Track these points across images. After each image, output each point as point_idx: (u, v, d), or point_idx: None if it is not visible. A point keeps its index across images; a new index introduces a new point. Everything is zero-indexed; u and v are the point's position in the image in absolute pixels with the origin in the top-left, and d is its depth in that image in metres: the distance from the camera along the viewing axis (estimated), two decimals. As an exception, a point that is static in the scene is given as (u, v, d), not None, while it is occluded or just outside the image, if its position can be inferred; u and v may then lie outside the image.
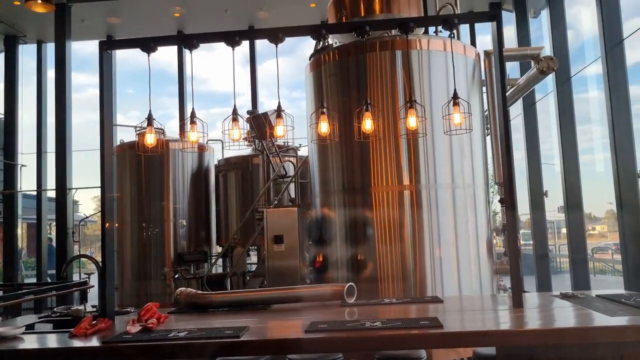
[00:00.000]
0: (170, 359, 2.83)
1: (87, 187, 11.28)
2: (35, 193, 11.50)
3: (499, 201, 6.61)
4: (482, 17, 3.94)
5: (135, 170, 8.97)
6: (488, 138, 6.66)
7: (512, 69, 10.18)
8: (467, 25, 11.65)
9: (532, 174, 10.00)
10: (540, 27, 10.49)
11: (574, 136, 8.67)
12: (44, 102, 11.75)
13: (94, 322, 3.21)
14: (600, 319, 2.88)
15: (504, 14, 11.44)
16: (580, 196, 8.73)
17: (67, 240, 9.89)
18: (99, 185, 3.55)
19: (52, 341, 3.06)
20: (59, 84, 10.22)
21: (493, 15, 3.46)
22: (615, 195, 7.20)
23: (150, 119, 3.65)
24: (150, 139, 3.65)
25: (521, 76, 7.34)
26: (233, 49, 3.69)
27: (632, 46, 7.28)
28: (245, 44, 11.65)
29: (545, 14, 9.26)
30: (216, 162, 9.70)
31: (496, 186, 7.02)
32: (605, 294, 3.63)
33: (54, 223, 10.74)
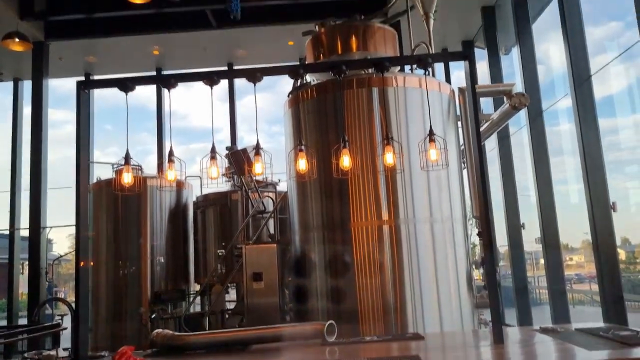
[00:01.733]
0: (146, 406, 2.74)
1: (62, 226, 11.05)
2: (7, 232, 11.22)
3: (477, 234, 6.67)
4: (455, 57, 4.07)
5: (112, 207, 8.82)
6: (465, 171, 6.76)
7: (487, 103, 10.45)
8: (442, 63, 11.96)
9: (509, 206, 10.15)
10: (512, 63, 10.84)
11: (548, 168, 8.86)
12: (19, 139, 11.61)
13: (66, 369, 3.10)
14: (581, 354, 2.89)
15: (477, 50, 11.81)
16: (557, 227, 8.86)
17: (40, 280, 9.61)
18: (74, 224, 3.49)
19: (21, 390, 2.94)
20: (35, 121, 10.12)
21: (465, 55, 3.57)
22: (590, 226, 7.34)
23: (127, 158, 3.62)
24: (127, 178, 3.62)
25: (495, 111, 7.52)
26: (212, 88, 3.72)
27: (600, 81, 7.57)
28: (225, 80, 11.78)
29: (516, 51, 9.58)
30: (195, 199, 9.61)
31: (474, 219, 7.09)
32: (584, 328, 3.65)
33: (27, 262, 10.46)
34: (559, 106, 9.24)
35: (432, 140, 3.76)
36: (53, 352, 3.70)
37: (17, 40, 8.66)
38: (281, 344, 3.80)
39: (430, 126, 3.87)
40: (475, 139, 3.57)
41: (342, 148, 3.76)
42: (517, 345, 3.36)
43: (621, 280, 7.04)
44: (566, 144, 10.81)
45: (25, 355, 3.87)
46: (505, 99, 6.48)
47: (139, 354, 3.42)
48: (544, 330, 3.68)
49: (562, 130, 11.36)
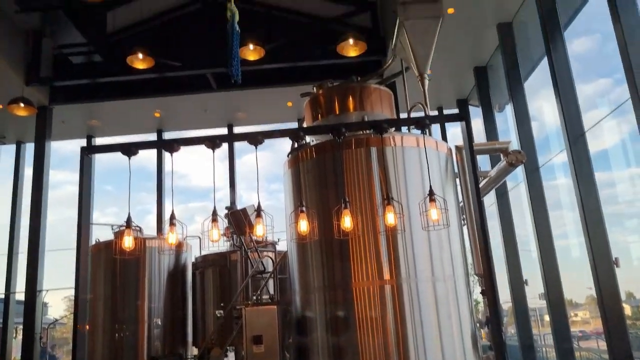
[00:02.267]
0: None
1: (59, 289, 10.90)
2: (2, 296, 11.04)
3: (481, 293, 6.58)
4: (452, 118, 4.17)
5: (110, 269, 8.73)
6: (465, 228, 6.76)
7: (483, 159, 10.59)
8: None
9: (511, 262, 10.08)
10: (506, 120, 11.07)
11: (547, 223, 8.87)
12: (19, 201, 11.65)
13: None
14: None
15: (471, 108, 12.09)
16: (560, 283, 8.77)
17: (34, 345, 9.36)
18: (71, 286, 3.46)
19: None
20: (36, 183, 10.18)
21: (462, 116, 3.66)
22: (593, 281, 7.26)
23: (129, 222, 3.63)
24: (128, 242, 3.61)
25: (492, 167, 7.61)
26: (214, 152, 3.78)
27: (594, 136, 7.71)
28: (224, 140, 11.95)
29: (509, 109, 9.81)
30: (193, 259, 9.53)
31: (476, 276, 7.02)
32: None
33: (21, 327, 10.23)
34: (555, 161, 9.37)
35: (432, 200, 3.79)
36: None
37: (22, 105, 8.86)
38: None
39: (430, 186, 3.91)
40: (475, 198, 3.60)
41: (343, 209, 3.79)
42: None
43: (629, 337, 6.90)
44: (564, 198, 10.88)
45: None
46: (502, 156, 6.58)
47: None
48: (555, 394, 3.57)
49: (560, 185, 11.46)
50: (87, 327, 8.38)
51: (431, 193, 3.82)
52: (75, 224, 3.58)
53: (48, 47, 10.09)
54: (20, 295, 10.66)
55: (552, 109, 8.41)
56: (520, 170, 9.20)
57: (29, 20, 9.02)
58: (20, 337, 10.33)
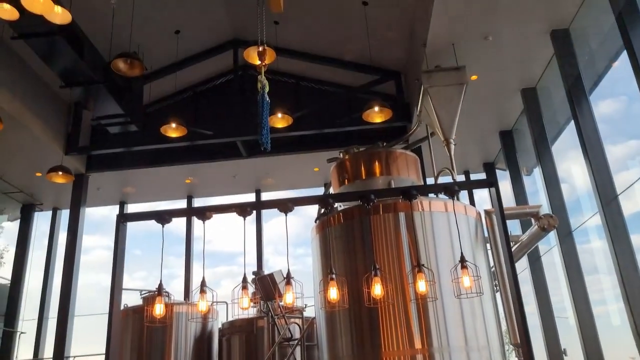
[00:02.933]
0: None
1: (87, 355, 10.82)
2: (30, 362, 11.02)
3: (518, 364, 6.30)
4: (481, 184, 4.18)
5: (137, 335, 8.69)
6: (498, 294, 6.57)
7: (513, 224, 10.43)
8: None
9: (547, 331, 9.67)
10: (535, 183, 10.96)
11: (584, 288, 8.56)
12: (52, 266, 11.86)
13: None
14: None
15: (498, 172, 12.05)
16: (601, 351, 8.34)
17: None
18: (98, 352, 3.46)
19: None
20: (69, 249, 10.40)
21: (491, 182, 3.67)
22: (637, 349, 6.90)
23: (160, 290, 3.67)
24: (159, 310, 3.64)
25: (522, 231, 7.51)
26: (244, 219, 3.85)
27: (628, 197, 7.55)
28: (252, 205, 12.11)
29: (538, 172, 9.75)
30: (220, 325, 9.43)
31: (512, 346, 6.75)
32: None
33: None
34: (588, 224, 9.16)
35: (464, 266, 3.74)
36: None
37: (60, 173, 9.22)
38: None
39: (462, 252, 3.87)
40: (508, 264, 3.54)
41: (374, 276, 3.76)
42: None
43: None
44: (600, 262, 10.54)
45: None
46: (533, 221, 6.49)
47: None
48: None
49: (594, 248, 11.13)
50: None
51: (462, 259, 3.78)
52: (103, 288, 3.64)
53: (87, 118, 10.63)
54: (47, 362, 10.64)
55: (581, 171, 8.34)
56: (552, 235, 9.02)
57: (71, 94, 9.57)
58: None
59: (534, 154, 9.70)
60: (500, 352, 5.73)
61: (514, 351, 6.91)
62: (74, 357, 10.46)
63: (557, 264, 9.44)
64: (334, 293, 3.71)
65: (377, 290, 3.68)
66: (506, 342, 6.40)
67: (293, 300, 3.69)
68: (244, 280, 3.77)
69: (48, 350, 10.81)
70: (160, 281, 3.72)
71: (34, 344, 11.09)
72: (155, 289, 4.45)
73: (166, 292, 8.43)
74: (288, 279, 3.69)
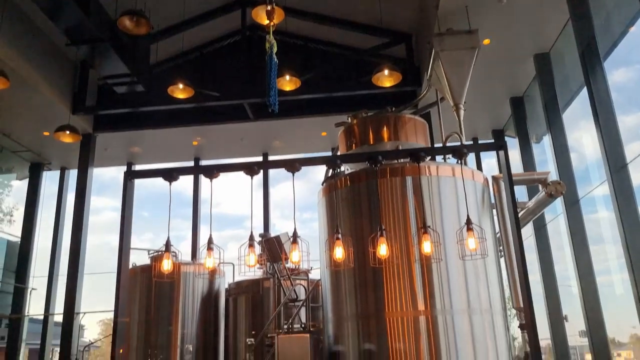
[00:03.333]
0: None
1: (96, 312, 11.08)
2: (42, 317, 11.29)
3: (519, 327, 6.39)
4: (490, 147, 4.14)
5: (146, 294, 8.87)
6: (502, 260, 6.61)
7: (520, 191, 10.40)
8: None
9: (550, 297, 9.76)
10: (544, 151, 10.87)
11: (588, 257, 8.59)
12: (61, 225, 12.02)
13: None
14: None
15: (507, 139, 11.94)
16: (602, 320, 8.42)
17: (70, 367, 9.52)
18: (107, 309, 3.53)
19: None
20: (78, 209, 10.51)
21: (500, 145, 3.63)
22: (638, 315, 6.96)
23: (168, 246, 3.71)
24: (167, 265, 3.68)
25: (529, 199, 7.47)
26: (252, 178, 3.85)
27: (637, 168, 7.48)
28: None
29: (547, 140, 9.65)
30: (227, 286, 9.59)
31: (514, 310, 6.83)
32: None
33: (57, 349, 10.41)
34: (596, 193, 9.11)
35: (470, 229, 3.75)
36: None
37: (68, 132, 9.22)
38: None
39: (468, 215, 3.87)
40: (514, 228, 3.54)
41: (380, 237, 3.78)
42: None
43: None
44: (606, 232, 10.52)
45: None
46: (540, 187, 6.46)
47: None
48: None
49: (601, 218, 11.11)
50: (122, 350, 8.49)
51: (469, 221, 3.78)
52: (112, 248, 3.67)
53: (94, 78, 10.56)
54: (58, 317, 10.90)
55: (591, 140, 8.24)
56: (559, 203, 8.99)
57: (77, 52, 9.48)
58: (56, 359, 10.51)
59: (545, 121, 9.59)
60: (502, 315, 5.80)
61: (515, 316, 7.01)
62: (84, 313, 10.71)
63: (562, 233, 9.45)
64: (339, 252, 3.73)
65: (383, 250, 3.70)
66: (508, 308, 6.47)
67: (299, 259, 3.72)
68: (251, 238, 3.80)
69: (59, 306, 11.06)
70: (168, 237, 3.75)
71: (45, 300, 11.35)
72: (162, 248, 4.51)
73: (174, 252, 8.54)
74: (294, 237, 3.71)
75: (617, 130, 7.54)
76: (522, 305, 6.28)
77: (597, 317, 8.35)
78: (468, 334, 5.41)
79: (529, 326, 3.28)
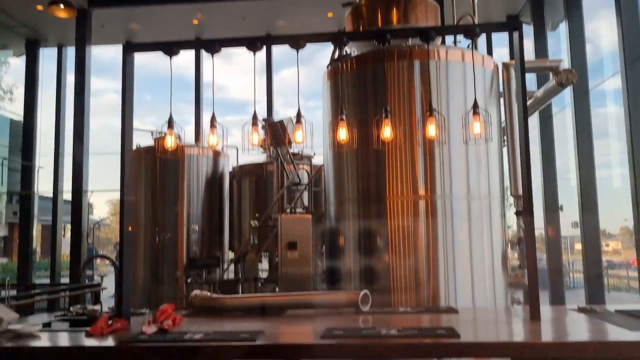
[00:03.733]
0: (186, 360, 2.83)
1: (103, 190, 11.38)
2: (51, 195, 11.62)
3: (515, 214, 6.56)
4: (504, 27, 3.95)
5: (151, 175, 9.04)
6: (504, 150, 6.62)
7: (529, 81, 10.15)
8: (484, 37, 11.65)
9: (548, 188, 9.92)
10: (559, 41, 10.47)
11: (591, 150, 8.60)
12: (63, 105, 11.92)
13: (109, 323, 3.22)
14: (620, 334, 2.84)
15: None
16: (597, 211, 8.64)
17: (82, 242, 9.97)
18: (114, 188, 3.57)
19: (69, 340, 3.08)
20: (78, 87, 10.36)
21: (515, 26, 3.45)
22: (633, 211, 7.12)
23: (170, 122, 3.68)
24: (170, 142, 3.68)
25: (538, 88, 7.31)
26: (254, 54, 3.72)
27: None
28: (263, 51, 11.75)
29: (563, 27, 9.23)
30: (230, 169, 9.75)
31: (511, 198, 6.97)
32: (624, 309, 3.58)
33: (69, 225, 10.84)
34: (606, 87, 8.90)
35: (476, 113, 3.69)
36: (97, 307, 3.86)
37: (62, 7, 8.82)
38: (315, 311, 3.87)
39: (475, 98, 3.78)
40: (521, 112, 3.46)
41: (384, 118, 3.73)
42: (554, 322, 3.32)
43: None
44: (612, 127, 10.44)
45: (71, 309, 4.04)
46: (551, 75, 6.28)
47: (177, 314, 3.52)
48: (582, 310, 3.63)
49: (608, 113, 10.97)
50: (130, 228, 8.84)
51: (475, 105, 3.70)
52: (116, 131, 3.62)
53: (88, -53, 9.87)
54: (67, 195, 11.21)
55: (609, 30, 7.88)
56: (567, 94, 8.81)
57: None
58: (68, 235, 10.99)
59: (562, 7, 9.10)
60: (500, 202, 5.93)
61: (512, 205, 7.17)
62: (92, 191, 11.01)
63: (567, 126, 9.37)
64: (343, 133, 3.71)
65: (387, 132, 3.68)
66: (506, 198, 6.60)
67: (303, 138, 3.70)
68: (254, 117, 3.75)
69: (67, 184, 11.32)
70: (170, 114, 3.71)
71: (53, 179, 11.58)
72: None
73: (178, 134, 8.55)
74: (298, 117, 3.66)
75: (637, 20, 7.17)
76: (520, 193, 6.41)
77: (592, 209, 8.55)
78: (465, 218, 5.58)
79: (525, 208, 3.34)
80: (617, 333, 2.86)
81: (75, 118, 10.30)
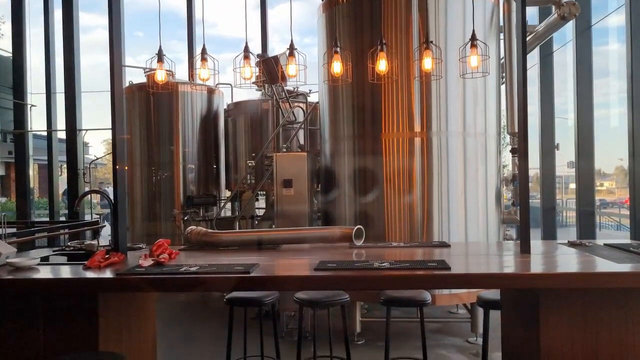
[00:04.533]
0: (182, 291, 2.89)
1: (97, 129, 11.27)
2: (45, 133, 11.52)
3: (511, 151, 6.56)
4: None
5: (145, 112, 8.93)
6: (502, 87, 6.53)
7: (530, 15, 9.87)
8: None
9: (545, 126, 9.87)
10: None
11: (590, 88, 8.47)
12: (52, 42, 11.58)
13: (107, 256, 3.27)
14: (607, 266, 2.89)
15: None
16: (592, 149, 8.63)
17: (78, 180, 9.98)
18: (109, 127, 3.51)
19: (66, 272, 3.13)
20: (66, 22, 10.03)
21: (518, -49, 3.29)
22: (628, 148, 7.11)
23: (160, 55, 3.58)
24: (160, 76, 3.59)
25: (540, 23, 7.12)
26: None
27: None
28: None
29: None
30: (225, 107, 9.63)
31: (507, 137, 6.95)
32: (613, 243, 3.64)
33: (65, 165, 10.82)
34: (610, 24, 8.64)
35: (474, 45, 3.59)
36: (94, 242, 3.91)
37: None
38: (310, 246, 3.93)
39: (473, 31, 3.68)
40: (520, 47, 3.37)
41: (380, 51, 3.64)
42: (544, 255, 3.38)
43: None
44: (613, 65, 10.24)
45: (69, 243, 4.09)
46: (553, 8, 6.09)
47: (174, 249, 3.57)
48: (572, 244, 3.69)
49: (610, 51, 10.73)
50: (126, 167, 8.83)
51: (473, 37, 3.60)
52: (108, 69, 3.49)
53: None
54: (61, 134, 11.12)
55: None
56: (568, 30, 8.59)
57: None
58: (65, 174, 10.99)
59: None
60: (495, 139, 5.92)
61: (508, 144, 7.16)
62: (86, 130, 10.91)
63: (567, 65, 9.19)
64: (337, 66, 3.62)
65: (382, 65, 3.59)
66: (503, 137, 6.57)
67: (296, 72, 3.62)
68: (246, 49, 3.65)
69: (60, 123, 11.20)
70: (160, 46, 3.59)
71: (46, 117, 11.45)
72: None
73: (170, 71, 8.37)
74: (291, 49, 3.56)
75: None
76: (517, 130, 6.38)
77: (588, 148, 8.53)
78: (461, 156, 5.58)
79: (520, 143, 3.32)
80: (604, 265, 2.92)
81: (65, 54, 10.05)
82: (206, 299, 7.37)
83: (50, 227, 6.68)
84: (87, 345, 2.87)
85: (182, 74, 11.56)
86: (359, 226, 3.89)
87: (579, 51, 8.43)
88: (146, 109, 8.88)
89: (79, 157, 10.26)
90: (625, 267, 2.82)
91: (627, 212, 7.90)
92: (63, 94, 10.24)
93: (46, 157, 11.57)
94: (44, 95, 11.47)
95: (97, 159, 13.41)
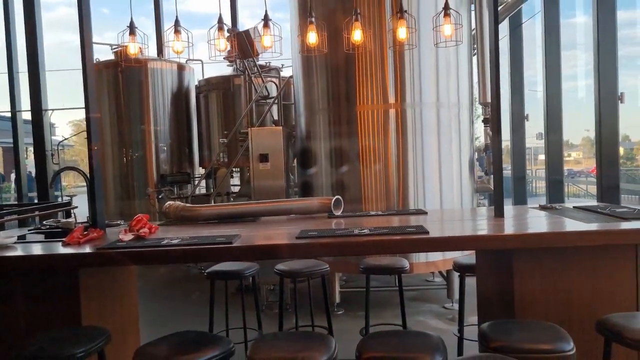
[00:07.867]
0: (165, 264, 2.89)
1: (65, 109, 10.96)
2: (9, 114, 11.15)
3: (483, 121, 6.69)
4: None
5: (113, 91, 8.74)
6: (475, 58, 6.61)
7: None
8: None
9: (515, 98, 10.04)
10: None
11: (558, 59, 8.63)
12: (12, 20, 11.13)
13: (85, 233, 3.24)
14: (577, 226, 3.01)
15: None
16: (561, 120, 8.83)
17: (47, 162, 9.74)
18: (75, 106, 3.43)
19: (46, 249, 3.09)
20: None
21: None
22: (595, 119, 7.31)
23: (132, 27, 3.51)
24: (133, 49, 3.53)
25: (509, -5, 7.20)
26: (217, -47, 3.50)
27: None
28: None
29: None
30: (196, 83, 9.49)
31: (480, 107, 7.07)
32: (582, 205, 3.79)
33: (32, 148, 10.51)
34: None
35: (447, 14, 3.62)
36: (71, 220, 3.86)
37: None
38: (290, 217, 3.96)
39: (447, 0, 3.71)
40: (492, 18, 3.42)
41: (354, 21, 3.64)
42: (516, 218, 3.50)
43: (619, 171, 7.16)
44: (580, 38, 10.42)
45: (44, 222, 4.03)
46: (523, -22, 6.15)
47: (153, 224, 3.55)
48: (543, 208, 3.82)
49: (578, 23, 10.93)
50: (95, 147, 8.65)
51: (447, 7, 3.63)
52: (72, 47, 3.39)
53: None
54: (26, 115, 10.77)
55: None
56: (537, 2, 8.70)
57: None
58: (31, 157, 10.68)
59: None
60: (468, 109, 6.01)
61: (481, 116, 7.28)
62: (52, 110, 10.61)
63: (536, 38, 9.32)
64: (312, 37, 3.61)
65: (357, 35, 3.60)
66: (475, 108, 6.67)
67: (271, 43, 3.59)
68: (220, 20, 3.60)
69: (25, 104, 10.84)
70: (132, 18, 3.52)
71: (9, 98, 11.06)
72: (127, 39, 4.25)
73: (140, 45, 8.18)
74: (266, 20, 3.53)
75: None
76: (489, 100, 6.49)
77: (556, 118, 8.73)
78: (434, 127, 5.66)
79: (493, 112, 3.40)
80: (573, 225, 3.04)
81: (27, 33, 9.69)
82: (186, 274, 7.37)
83: (20, 210, 6.50)
84: (70, 322, 2.86)
85: (150, 51, 11.32)
86: (337, 197, 3.93)
87: (548, 22, 8.55)
88: (114, 88, 8.70)
89: (47, 138, 9.99)
90: (592, 227, 2.94)
91: (594, 181, 8.14)
92: (27, 74, 9.89)
93: (11, 140, 11.21)
94: (6, 75, 11.06)
95: (65, 139, 13.07)
